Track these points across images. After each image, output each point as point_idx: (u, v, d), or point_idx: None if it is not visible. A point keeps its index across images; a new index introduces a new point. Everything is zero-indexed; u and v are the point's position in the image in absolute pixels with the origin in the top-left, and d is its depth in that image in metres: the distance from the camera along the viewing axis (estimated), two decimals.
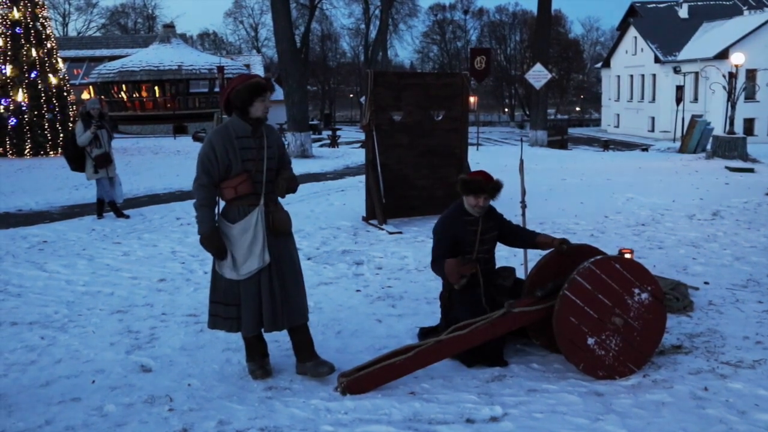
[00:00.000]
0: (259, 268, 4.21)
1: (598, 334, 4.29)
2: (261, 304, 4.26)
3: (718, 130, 23.17)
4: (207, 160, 4.17)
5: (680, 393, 4.06)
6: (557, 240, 4.83)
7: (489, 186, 4.74)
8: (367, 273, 7.07)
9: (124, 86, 40.53)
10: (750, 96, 38.36)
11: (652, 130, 46.27)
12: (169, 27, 46.23)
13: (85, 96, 39.98)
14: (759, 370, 4.36)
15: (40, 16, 21.63)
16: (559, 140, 28.17)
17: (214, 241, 4.22)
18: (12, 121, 20.74)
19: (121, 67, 40.22)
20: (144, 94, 41.35)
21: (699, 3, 49.75)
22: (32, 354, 4.91)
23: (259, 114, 4.22)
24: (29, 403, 4.11)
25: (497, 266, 5.04)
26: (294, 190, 4.43)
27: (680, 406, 3.90)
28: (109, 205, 10.17)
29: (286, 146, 19.55)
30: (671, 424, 3.70)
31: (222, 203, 4.33)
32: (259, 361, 4.47)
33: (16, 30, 21.05)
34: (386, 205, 9.41)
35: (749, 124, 39.73)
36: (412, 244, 8.27)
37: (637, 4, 51.56)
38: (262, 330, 4.37)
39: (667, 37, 46.33)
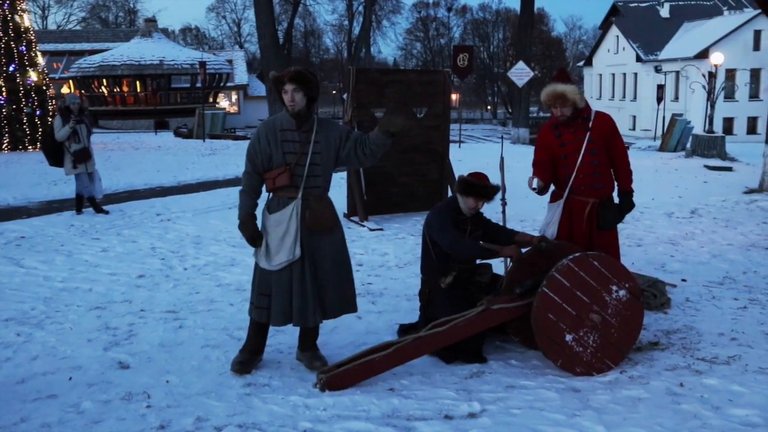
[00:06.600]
0: (289, 261, 4.23)
1: (576, 331, 4.32)
2: (291, 298, 4.27)
3: (698, 129, 23.41)
4: (252, 149, 4.31)
5: (656, 389, 4.11)
6: (536, 238, 4.86)
7: (493, 192, 4.80)
8: None
9: (104, 81, 40.12)
10: (729, 96, 38.82)
11: (634, 129, 46.65)
12: (151, 21, 45.76)
13: (64, 90, 39.57)
14: (734, 366, 4.42)
15: (18, 8, 21.35)
16: None
17: (248, 227, 4.32)
18: None
19: (102, 61, 39.80)
20: (125, 88, 40.95)
21: (680, 3, 50.21)
22: (8, 351, 4.85)
23: (287, 105, 4.27)
24: (4, 399, 4.06)
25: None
26: (397, 129, 4.18)
27: (656, 402, 3.94)
28: (88, 200, 10.08)
29: None
30: (647, 419, 3.73)
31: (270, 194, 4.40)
32: (246, 356, 4.46)
33: None
34: (367, 201, 9.41)
35: (728, 124, 40.21)
36: (393, 241, 8.27)
37: (619, 3, 51.84)
38: (271, 325, 4.42)
39: (649, 36, 46.71)
